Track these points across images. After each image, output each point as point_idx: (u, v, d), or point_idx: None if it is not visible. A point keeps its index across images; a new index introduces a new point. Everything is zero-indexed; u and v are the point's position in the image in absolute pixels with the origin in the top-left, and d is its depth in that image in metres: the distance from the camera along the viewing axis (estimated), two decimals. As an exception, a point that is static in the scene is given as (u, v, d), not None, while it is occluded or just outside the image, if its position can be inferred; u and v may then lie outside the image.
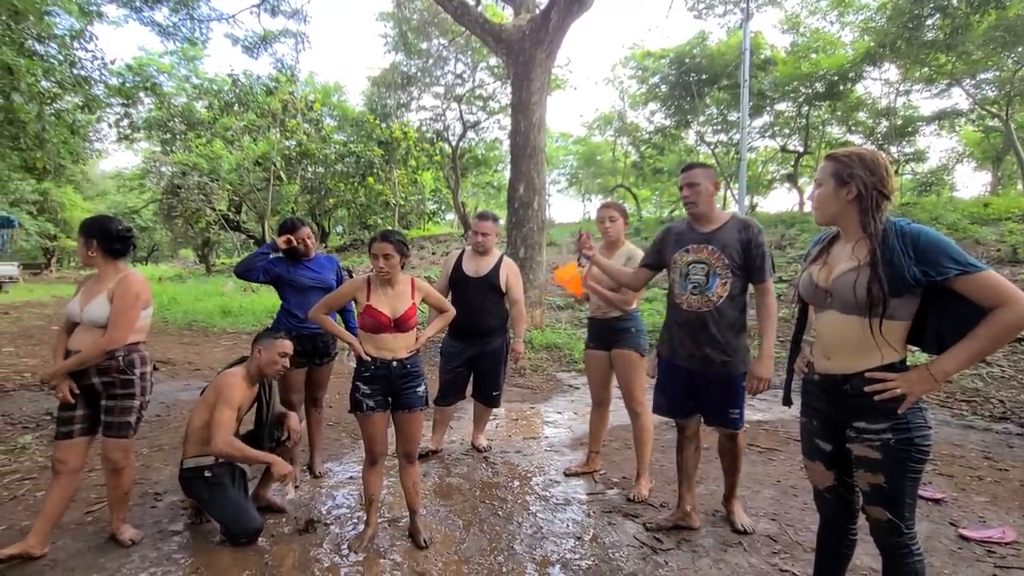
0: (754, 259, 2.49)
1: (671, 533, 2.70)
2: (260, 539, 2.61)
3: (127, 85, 16.11)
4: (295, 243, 3.27)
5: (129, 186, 26.85)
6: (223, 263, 25.60)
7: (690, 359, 2.60)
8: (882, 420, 1.63)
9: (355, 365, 2.57)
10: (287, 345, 2.83)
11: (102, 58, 10.94)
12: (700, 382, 2.61)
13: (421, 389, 2.57)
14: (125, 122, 19.11)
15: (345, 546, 2.59)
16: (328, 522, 2.81)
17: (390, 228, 2.61)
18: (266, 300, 12.10)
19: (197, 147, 18.07)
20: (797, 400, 1.95)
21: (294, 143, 13.97)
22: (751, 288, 2.59)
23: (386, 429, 2.58)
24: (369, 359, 2.48)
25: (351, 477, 3.44)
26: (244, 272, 3.30)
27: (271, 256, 3.32)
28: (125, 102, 17.17)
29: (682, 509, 2.79)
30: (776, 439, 4.24)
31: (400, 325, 2.49)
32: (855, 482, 1.75)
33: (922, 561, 1.69)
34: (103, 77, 11.93)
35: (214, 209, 15.67)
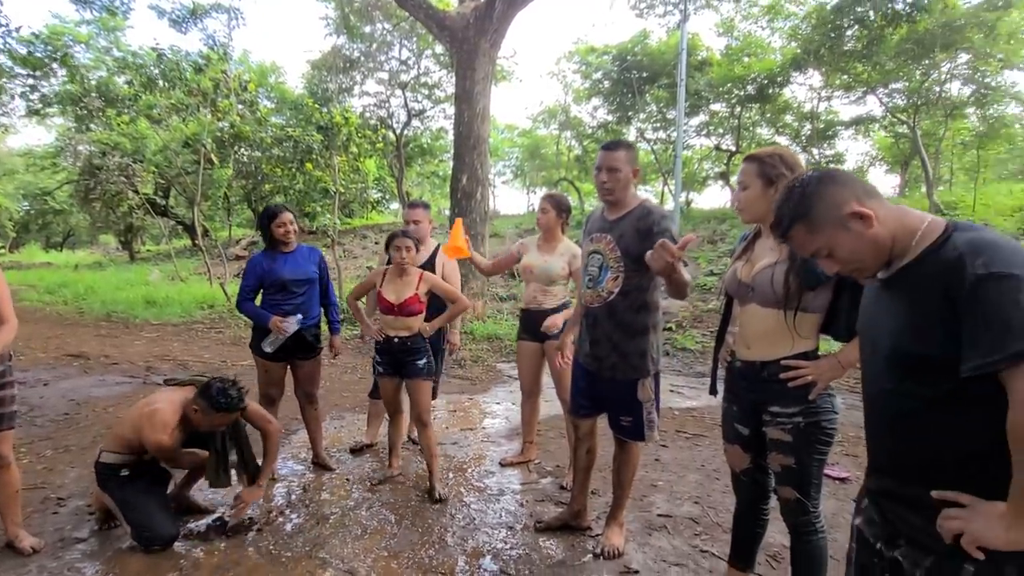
0: None
1: (598, 522, 2.74)
2: (177, 543, 2.48)
3: (35, 55, 14.74)
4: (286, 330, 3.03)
5: (40, 165, 24.57)
6: (148, 251, 23.98)
7: (586, 358, 2.38)
8: (794, 404, 1.74)
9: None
10: (228, 419, 2.54)
11: (7, 25, 9.98)
12: (598, 383, 2.37)
13: (422, 362, 3.01)
14: (35, 95, 17.49)
15: (271, 547, 2.50)
16: (256, 523, 2.71)
17: (405, 228, 3.08)
18: (195, 290, 11.44)
19: (118, 125, 16.77)
20: (722, 388, 2.06)
21: (227, 125, 13.17)
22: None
23: (396, 392, 3.15)
24: (381, 337, 3.01)
25: (282, 475, 3.32)
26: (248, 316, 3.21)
27: (258, 260, 3.18)
28: (33, 73, 15.71)
29: (571, 509, 2.67)
30: (703, 425, 4.44)
31: (402, 310, 2.92)
32: (768, 464, 1.87)
33: (825, 538, 1.83)
34: (7, 46, 10.86)
35: (137, 192, 14.57)
